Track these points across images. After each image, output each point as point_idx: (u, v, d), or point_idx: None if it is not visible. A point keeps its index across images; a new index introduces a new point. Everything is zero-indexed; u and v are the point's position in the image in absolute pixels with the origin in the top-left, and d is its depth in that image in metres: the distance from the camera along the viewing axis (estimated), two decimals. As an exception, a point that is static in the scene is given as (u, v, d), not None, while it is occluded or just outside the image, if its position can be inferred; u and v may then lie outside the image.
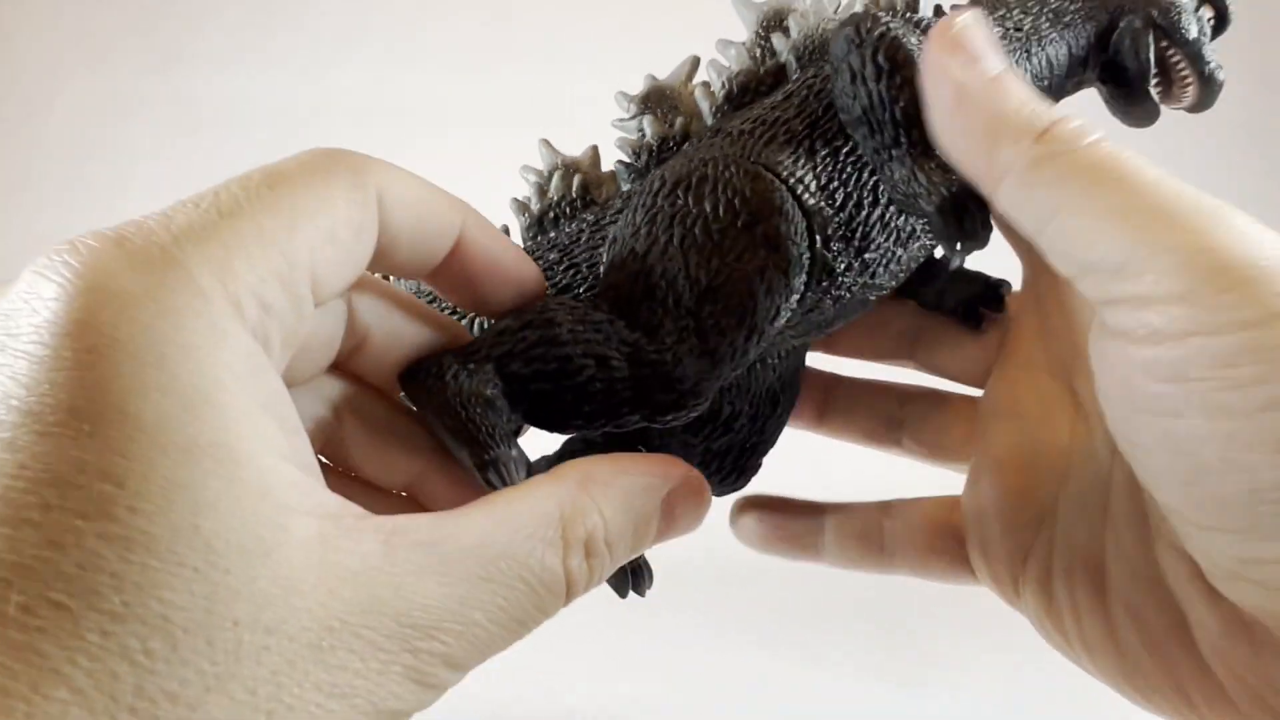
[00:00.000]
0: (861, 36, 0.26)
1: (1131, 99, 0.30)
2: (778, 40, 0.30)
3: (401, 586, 0.18)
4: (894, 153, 0.26)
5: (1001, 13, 0.29)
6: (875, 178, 0.27)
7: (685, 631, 0.70)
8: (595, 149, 0.32)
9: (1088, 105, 0.30)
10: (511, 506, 0.21)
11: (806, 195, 0.27)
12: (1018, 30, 0.29)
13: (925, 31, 0.26)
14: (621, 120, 0.32)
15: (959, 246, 0.25)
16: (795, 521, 0.35)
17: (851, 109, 0.26)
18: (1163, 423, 0.22)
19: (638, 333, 0.26)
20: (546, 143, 0.33)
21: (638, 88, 0.32)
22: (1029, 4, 0.29)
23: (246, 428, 0.17)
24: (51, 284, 0.17)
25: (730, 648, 0.72)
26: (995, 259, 0.32)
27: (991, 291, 0.34)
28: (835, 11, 0.31)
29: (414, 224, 0.22)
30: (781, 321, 0.27)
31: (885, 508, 0.34)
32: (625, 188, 0.31)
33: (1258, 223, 0.23)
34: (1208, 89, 0.30)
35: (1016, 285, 0.34)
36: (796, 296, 0.27)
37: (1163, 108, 0.31)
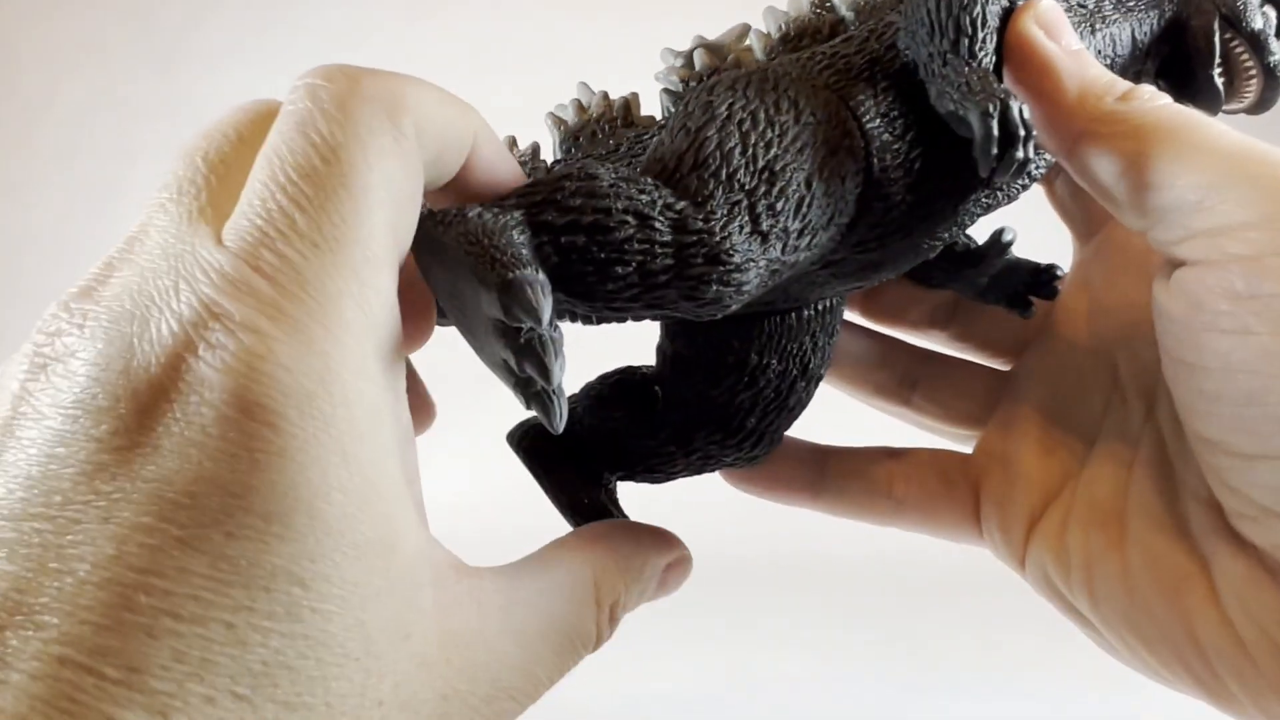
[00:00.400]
0: None
1: (1194, 91, 0.30)
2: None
3: (493, 651, 0.20)
4: (950, 57, 0.25)
5: None
6: (936, 116, 0.26)
7: (692, 633, 0.70)
8: (635, 94, 0.31)
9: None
10: (558, 571, 0.23)
11: (866, 117, 0.26)
12: (1082, 6, 0.29)
13: None
14: (669, 72, 0.30)
15: (997, 165, 0.24)
16: (798, 463, 0.33)
17: (918, 9, 0.26)
18: (1229, 341, 0.23)
19: (685, 201, 0.24)
20: (585, 85, 0.32)
21: (684, 45, 0.31)
22: None
23: (399, 513, 0.19)
24: (210, 369, 0.17)
25: (738, 645, 0.72)
26: (1033, 247, 0.32)
27: (1043, 277, 0.32)
28: None
29: (439, 148, 0.22)
30: (831, 237, 0.26)
31: (894, 452, 0.34)
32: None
33: None
34: (1272, 84, 0.30)
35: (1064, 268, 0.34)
36: (849, 217, 0.26)
37: (1224, 109, 0.31)
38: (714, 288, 0.24)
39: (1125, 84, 0.25)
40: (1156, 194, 0.24)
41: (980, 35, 0.25)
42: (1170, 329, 0.25)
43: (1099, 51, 0.29)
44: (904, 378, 0.35)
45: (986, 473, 0.32)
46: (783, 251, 0.25)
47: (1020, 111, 0.24)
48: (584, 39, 0.99)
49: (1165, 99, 0.25)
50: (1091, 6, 0.29)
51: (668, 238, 0.23)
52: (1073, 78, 0.25)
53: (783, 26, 0.30)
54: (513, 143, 0.32)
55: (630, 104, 0.30)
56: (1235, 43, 0.30)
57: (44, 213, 1.00)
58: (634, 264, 0.23)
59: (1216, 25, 0.30)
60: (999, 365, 0.34)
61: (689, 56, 0.30)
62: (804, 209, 0.25)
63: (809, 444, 0.34)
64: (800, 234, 0.25)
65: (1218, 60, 0.30)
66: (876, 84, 0.27)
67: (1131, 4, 0.29)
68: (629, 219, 0.23)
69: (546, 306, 0.21)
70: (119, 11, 1.02)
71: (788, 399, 0.31)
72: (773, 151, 0.25)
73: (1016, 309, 0.33)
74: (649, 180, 0.24)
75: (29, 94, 1.02)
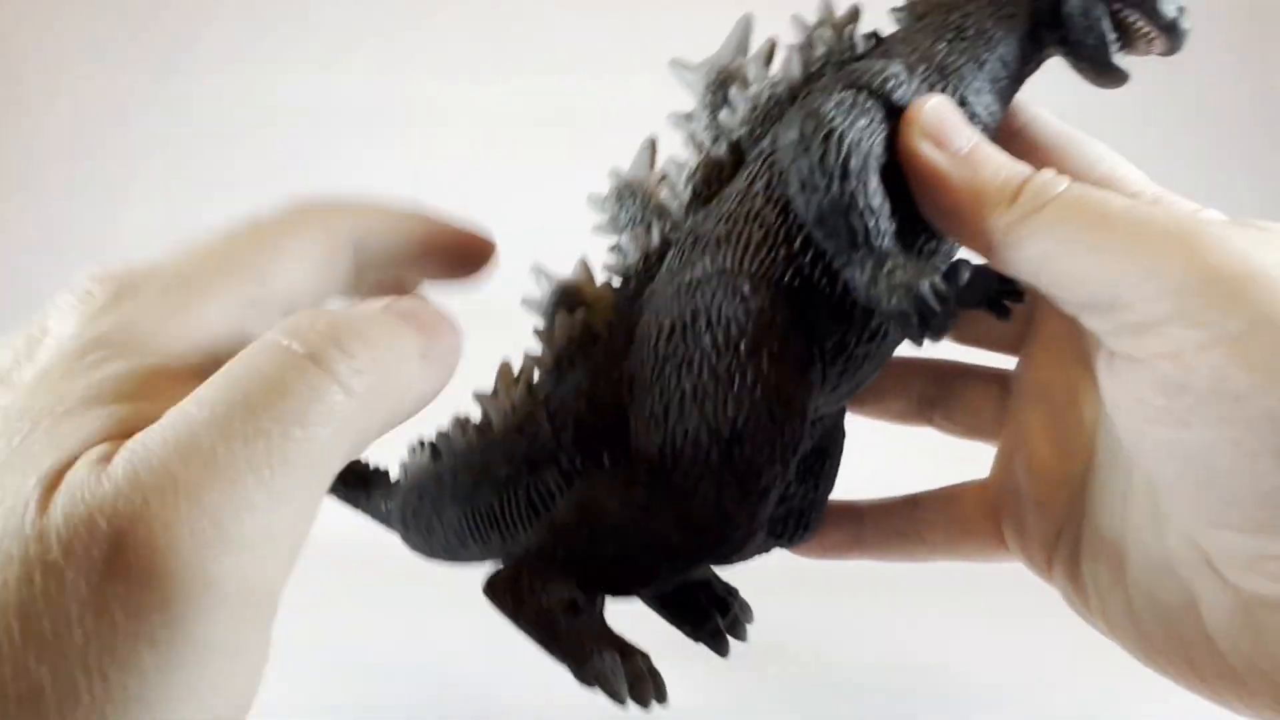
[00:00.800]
0: (806, 140, 0.25)
1: (1096, 68, 0.30)
2: (725, 117, 0.30)
3: None
4: (851, 255, 0.26)
5: (946, 19, 0.29)
6: None
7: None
8: (586, 266, 0.33)
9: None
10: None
11: (797, 285, 0.27)
12: (960, 38, 0.29)
13: (870, 89, 0.26)
14: (601, 227, 0.33)
15: (924, 340, 0.26)
16: (839, 527, 0.36)
17: (805, 213, 0.26)
18: (1173, 433, 0.23)
19: (679, 499, 0.27)
20: (540, 270, 0.34)
21: (606, 187, 0.33)
22: (968, 7, 0.29)
23: None
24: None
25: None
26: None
27: (1010, 283, 0.34)
28: (779, 69, 0.30)
29: (381, 244, 0.25)
30: (810, 419, 0.28)
31: (915, 501, 0.36)
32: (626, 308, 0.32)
33: (1227, 221, 0.24)
34: (1173, 37, 0.29)
35: None
36: (817, 392, 0.28)
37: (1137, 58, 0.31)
38: (734, 552, 0.28)
39: (1019, 175, 0.25)
40: (1072, 294, 0.24)
41: (872, 225, 0.25)
42: (1118, 416, 0.26)
43: (994, 76, 0.29)
44: (921, 401, 0.36)
45: (1001, 503, 0.33)
46: (776, 485, 0.28)
47: (934, 289, 0.25)
48: (583, 40, 0.99)
49: (1057, 187, 0.25)
50: (972, 33, 0.29)
51: (679, 538, 0.27)
52: (967, 190, 0.25)
53: (688, 182, 0.31)
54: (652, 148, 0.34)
55: (590, 324, 0.32)
56: (1123, 12, 0.29)
57: (44, 213, 1.00)
58: (664, 566, 0.28)
59: (1101, 5, 0.29)
60: (1005, 359, 0.35)
61: (615, 193, 0.32)
62: (779, 445, 0.27)
63: (844, 504, 0.36)
64: (785, 461, 0.27)
65: (1111, 39, 0.29)
66: (794, 241, 0.27)
67: (1008, 9, 0.29)
68: (648, 540, 0.27)
69: (621, 682, 0.26)
70: (119, 11, 1.02)
71: (818, 488, 0.33)
72: (730, 410, 0.26)
73: (993, 312, 0.33)
74: (642, 491, 0.27)
75: (29, 94, 1.01)
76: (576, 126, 1.01)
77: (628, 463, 0.29)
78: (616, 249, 0.32)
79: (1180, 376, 0.22)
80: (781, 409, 0.27)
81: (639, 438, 0.28)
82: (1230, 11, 0.98)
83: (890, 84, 0.26)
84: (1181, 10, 0.29)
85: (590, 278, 0.33)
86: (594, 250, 0.34)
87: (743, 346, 0.27)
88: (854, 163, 0.25)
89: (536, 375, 0.33)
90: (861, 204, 0.25)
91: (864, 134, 0.25)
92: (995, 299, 0.33)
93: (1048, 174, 0.25)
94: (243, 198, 1.15)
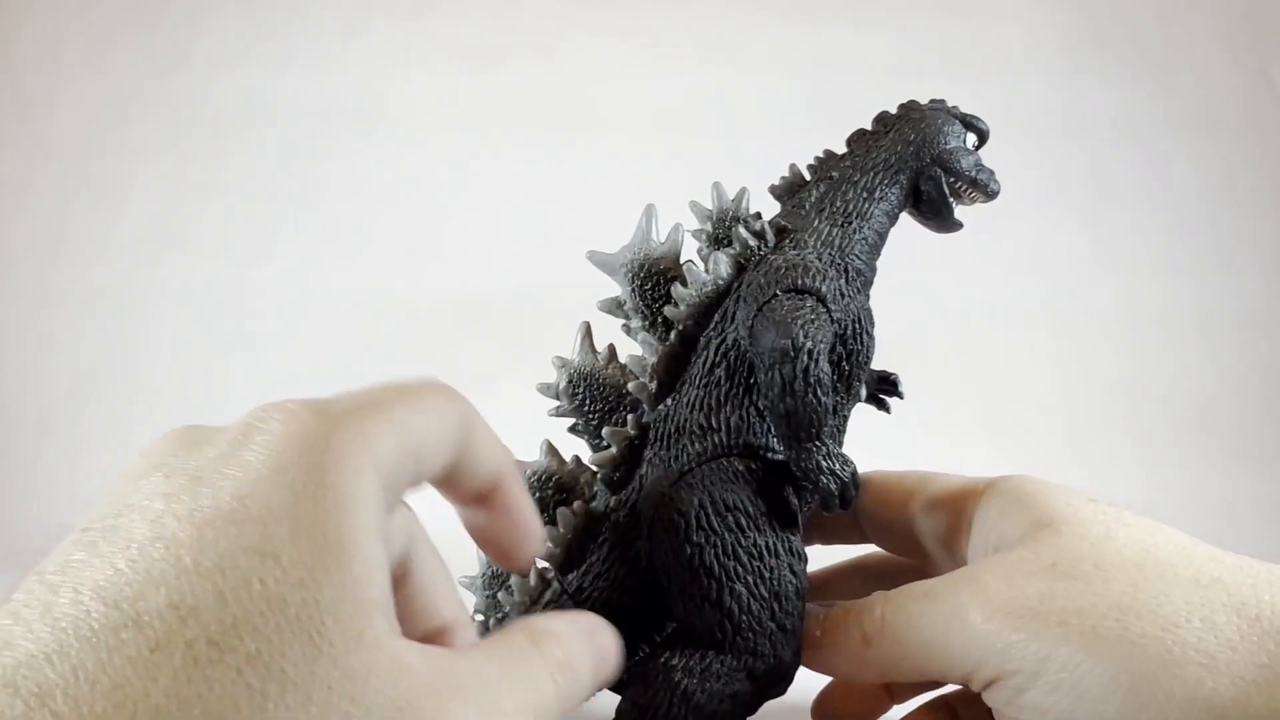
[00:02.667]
0: (790, 354, 0.33)
1: (941, 224, 0.40)
2: (672, 311, 0.37)
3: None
4: (804, 443, 0.33)
5: (833, 206, 0.38)
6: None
7: None
8: (553, 449, 0.38)
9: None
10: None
11: (777, 458, 0.35)
12: (848, 222, 0.38)
13: (813, 294, 0.34)
14: (559, 411, 0.39)
15: (837, 509, 0.33)
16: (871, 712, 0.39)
17: (775, 408, 0.33)
18: None
19: (745, 656, 0.32)
20: (560, 360, 0.39)
21: (554, 375, 0.39)
22: (848, 194, 0.38)
23: (382, 609, 0.21)
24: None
25: None
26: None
27: (890, 378, 0.42)
28: (709, 271, 0.37)
29: (474, 455, 0.26)
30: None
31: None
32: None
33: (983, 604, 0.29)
34: (990, 196, 0.40)
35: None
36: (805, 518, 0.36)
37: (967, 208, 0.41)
38: (785, 685, 0.34)
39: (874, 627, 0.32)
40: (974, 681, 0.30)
41: (820, 423, 0.33)
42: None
43: (872, 243, 0.38)
44: (873, 583, 0.41)
45: None
46: (803, 618, 0.34)
47: (853, 480, 0.33)
48: (583, 40, 0.99)
49: (880, 608, 0.31)
50: (855, 214, 0.38)
51: (749, 688, 0.32)
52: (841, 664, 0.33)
53: (653, 368, 0.37)
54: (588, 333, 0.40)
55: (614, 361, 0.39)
56: (958, 184, 0.39)
57: (45, 214, 1.00)
58: (740, 712, 0.33)
59: (943, 182, 0.39)
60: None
61: (569, 384, 0.38)
62: (803, 582, 0.34)
63: (876, 693, 0.39)
64: (805, 595, 0.34)
65: (951, 204, 0.39)
66: (766, 426, 0.35)
67: (879, 193, 0.38)
68: (723, 701, 0.32)
69: None
70: (120, 11, 1.02)
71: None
72: (762, 572, 0.33)
73: (877, 406, 0.41)
74: (711, 656, 0.32)
75: (29, 94, 1.02)
76: (576, 128, 1.01)
77: (670, 636, 0.36)
78: (590, 434, 0.39)
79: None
80: (797, 561, 0.34)
81: (689, 616, 0.33)
82: (1230, 11, 0.99)
83: (822, 284, 0.35)
84: (993, 176, 0.40)
85: (562, 460, 0.38)
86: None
87: (761, 523, 0.33)
88: (825, 380, 0.33)
89: (551, 572, 0.37)
90: (822, 409, 0.33)
91: (824, 347, 0.33)
92: (874, 394, 0.41)
93: (876, 617, 0.32)
94: (243, 198, 1.15)
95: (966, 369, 0.94)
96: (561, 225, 0.83)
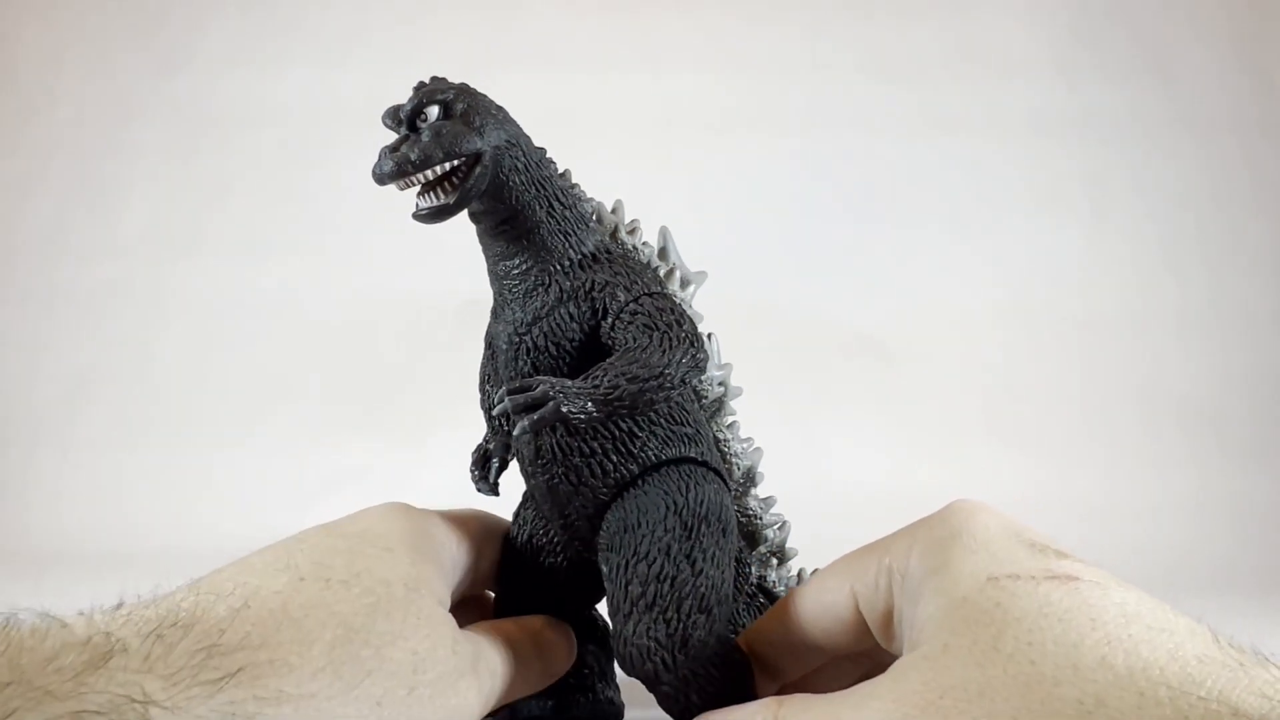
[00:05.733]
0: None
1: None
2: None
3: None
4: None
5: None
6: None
7: None
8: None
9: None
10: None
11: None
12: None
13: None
14: None
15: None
16: None
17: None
18: None
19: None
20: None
21: None
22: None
23: (443, 598, 0.34)
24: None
25: None
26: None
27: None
28: None
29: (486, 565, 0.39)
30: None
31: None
32: None
33: None
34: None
35: None
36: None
37: None
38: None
39: None
40: None
41: None
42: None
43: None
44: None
45: None
46: None
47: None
48: (583, 41, 0.99)
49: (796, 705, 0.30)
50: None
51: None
52: None
53: None
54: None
55: None
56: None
57: (45, 213, 1.00)
58: None
59: None
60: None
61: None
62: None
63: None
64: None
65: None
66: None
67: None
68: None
69: None
70: (123, 14, 1.02)
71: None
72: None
73: None
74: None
75: (31, 95, 1.02)
76: (575, 128, 1.01)
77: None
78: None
79: None
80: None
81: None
82: (1231, 11, 0.99)
83: None
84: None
85: None
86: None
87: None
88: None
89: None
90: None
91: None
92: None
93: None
94: (244, 198, 1.15)
95: (966, 369, 0.94)
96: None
